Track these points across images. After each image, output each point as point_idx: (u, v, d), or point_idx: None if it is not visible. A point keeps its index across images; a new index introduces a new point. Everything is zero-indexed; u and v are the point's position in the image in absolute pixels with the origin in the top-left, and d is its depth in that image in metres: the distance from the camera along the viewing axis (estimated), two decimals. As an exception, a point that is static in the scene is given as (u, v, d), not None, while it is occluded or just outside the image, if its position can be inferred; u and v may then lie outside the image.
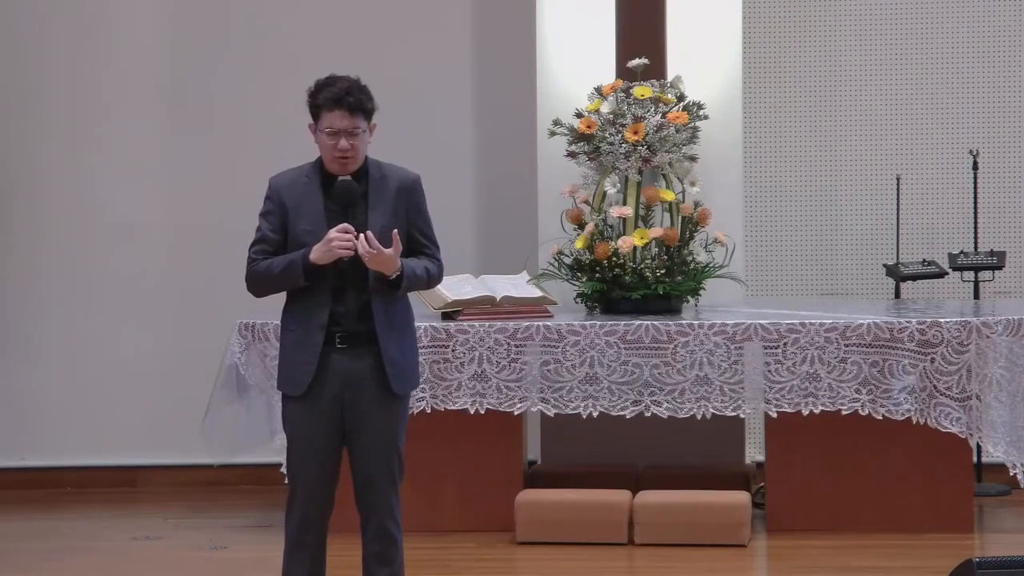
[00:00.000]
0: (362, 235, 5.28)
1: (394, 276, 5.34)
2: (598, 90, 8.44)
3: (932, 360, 7.56)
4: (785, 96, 9.49)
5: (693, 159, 8.40)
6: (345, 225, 5.30)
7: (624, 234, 8.22)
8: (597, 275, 8.19)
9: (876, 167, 9.44)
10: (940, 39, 9.42)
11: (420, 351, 7.06)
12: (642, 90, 8.31)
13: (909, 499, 7.81)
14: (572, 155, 8.41)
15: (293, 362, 5.40)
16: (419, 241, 5.50)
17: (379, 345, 5.36)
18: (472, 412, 7.76)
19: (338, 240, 5.27)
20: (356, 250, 5.28)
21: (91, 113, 9.65)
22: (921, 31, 9.44)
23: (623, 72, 8.45)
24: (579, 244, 8.29)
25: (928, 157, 9.44)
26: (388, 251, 5.29)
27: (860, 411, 7.59)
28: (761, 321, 7.70)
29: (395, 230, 5.33)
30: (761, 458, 8.41)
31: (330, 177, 5.40)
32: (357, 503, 5.45)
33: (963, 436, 7.56)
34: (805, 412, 7.63)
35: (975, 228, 9.05)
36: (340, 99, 5.32)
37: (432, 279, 5.53)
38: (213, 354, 8.20)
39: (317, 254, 5.30)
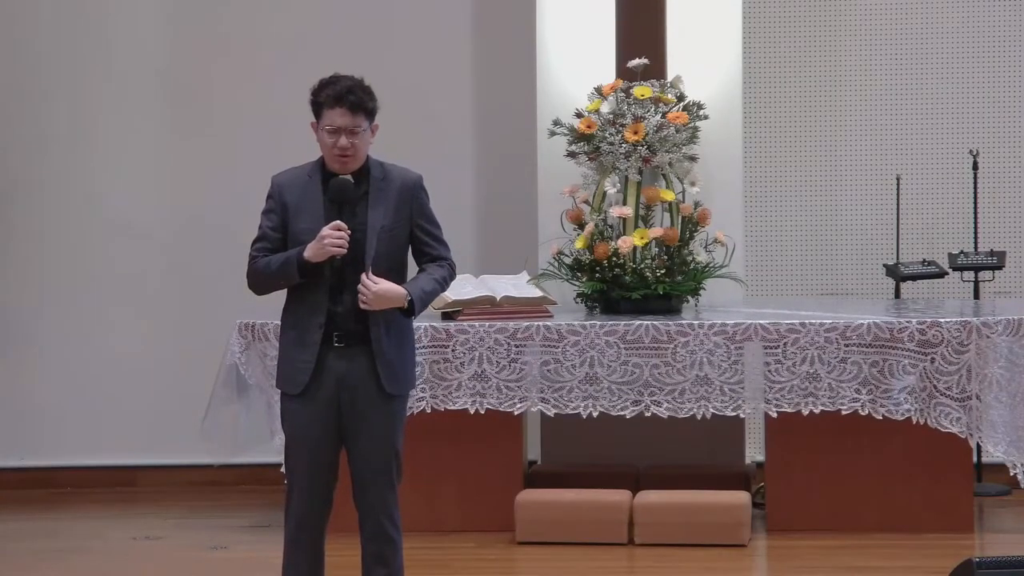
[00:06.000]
0: (360, 287, 5.27)
1: (406, 304, 5.34)
2: (598, 90, 8.44)
3: (932, 360, 7.56)
4: (785, 96, 9.50)
5: (693, 159, 8.40)
6: (337, 223, 5.29)
7: (624, 234, 8.22)
8: (597, 275, 8.19)
9: (876, 167, 9.44)
10: (940, 39, 9.43)
11: (420, 351, 7.09)
12: (642, 90, 8.32)
13: (909, 499, 7.81)
14: (572, 155, 8.41)
15: (291, 361, 5.40)
16: (424, 241, 5.48)
17: (374, 345, 5.36)
18: (472, 412, 7.76)
19: (330, 238, 5.27)
20: (349, 249, 5.29)
21: (91, 113, 9.65)
22: (921, 31, 9.44)
23: (623, 72, 8.45)
24: (579, 244, 8.29)
25: (928, 157, 9.44)
26: (377, 287, 5.28)
27: (860, 411, 7.59)
28: (761, 321, 7.70)
29: (365, 274, 5.31)
30: (761, 458, 8.41)
31: (331, 176, 5.40)
32: (355, 503, 5.45)
33: (963, 436, 7.56)
34: (805, 412, 7.63)
35: (975, 228, 9.05)
36: (341, 97, 5.32)
37: (445, 284, 5.52)
38: (213, 354, 8.20)
39: (310, 252, 5.29)
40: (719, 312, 8.21)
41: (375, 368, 5.36)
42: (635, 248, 8.17)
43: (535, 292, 8.18)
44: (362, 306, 5.30)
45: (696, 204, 8.34)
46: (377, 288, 5.30)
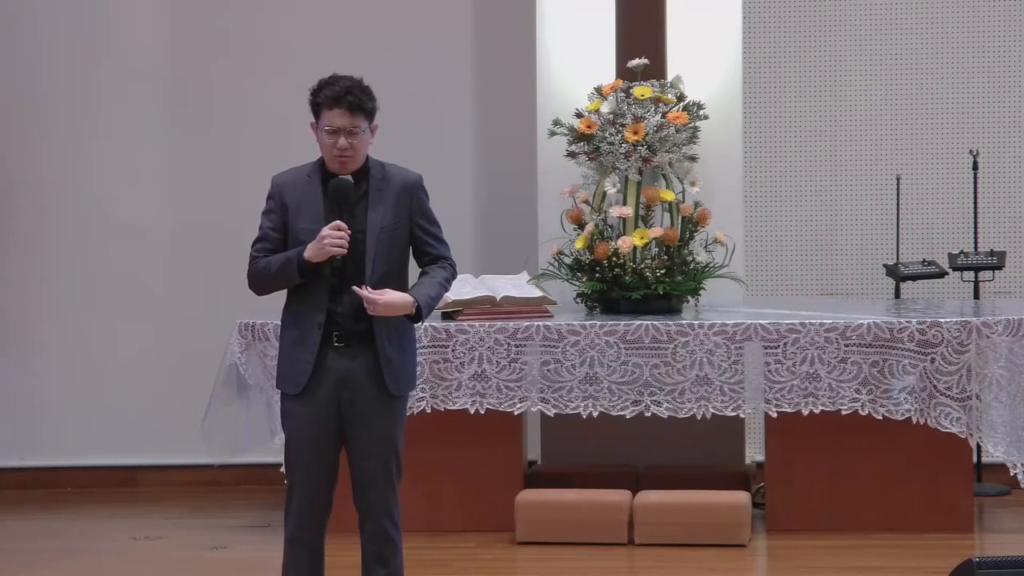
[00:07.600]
0: (364, 299, 5.28)
1: (413, 311, 5.35)
2: (598, 90, 8.44)
3: (932, 360, 7.56)
4: (785, 96, 9.50)
5: (693, 159, 8.40)
6: (338, 223, 5.30)
7: (624, 234, 8.22)
8: (597, 275, 8.19)
9: (876, 167, 9.44)
10: (940, 39, 9.43)
11: (420, 351, 7.08)
12: (642, 90, 8.32)
13: (909, 499, 7.82)
14: (572, 155, 8.41)
15: (291, 360, 5.41)
16: (424, 241, 5.49)
17: (376, 345, 5.37)
18: (472, 412, 7.76)
19: (330, 238, 5.27)
20: (349, 249, 5.30)
21: (91, 113, 9.65)
22: (921, 31, 9.44)
23: (623, 72, 8.45)
24: (579, 244, 8.29)
25: (928, 157, 9.44)
26: (384, 298, 5.28)
27: (860, 411, 7.59)
28: (761, 321, 7.70)
29: (361, 288, 5.31)
30: (761, 458, 8.41)
31: (331, 176, 5.40)
32: (355, 503, 5.46)
33: (963, 436, 7.56)
34: (805, 412, 7.63)
35: (975, 228, 9.05)
36: (340, 98, 5.32)
37: (448, 285, 5.53)
38: (213, 354, 8.21)
39: (311, 252, 5.30)
40: (719, 312, 8.21)
41: (377, 368, 5.37)
42: (635, 248, 8.17)
43: (535, 292, 8.18)
44: (370, 312, 5.31)
45: (696, 204, 8.34)
46: (384, 299, 5.30)
